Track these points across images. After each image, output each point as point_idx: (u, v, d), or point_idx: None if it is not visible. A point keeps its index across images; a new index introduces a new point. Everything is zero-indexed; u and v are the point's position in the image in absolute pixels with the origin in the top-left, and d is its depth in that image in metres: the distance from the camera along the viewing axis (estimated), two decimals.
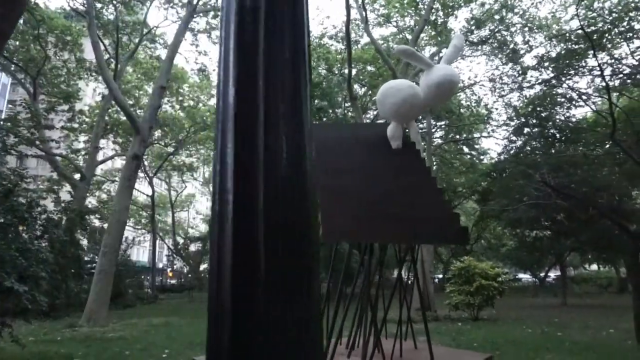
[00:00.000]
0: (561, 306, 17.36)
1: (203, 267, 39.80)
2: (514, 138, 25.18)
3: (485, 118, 29.64)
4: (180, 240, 36.53)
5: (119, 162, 35.33)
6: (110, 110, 23.49)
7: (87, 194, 19.94)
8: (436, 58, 26.00)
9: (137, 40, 21.62)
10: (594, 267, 41.32)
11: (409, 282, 9.66)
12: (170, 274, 46.03)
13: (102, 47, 18.24)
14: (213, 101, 32.08)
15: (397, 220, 4.51)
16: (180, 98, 28.29)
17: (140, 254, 50.26)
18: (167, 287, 35.69)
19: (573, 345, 8.51)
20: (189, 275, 35.03)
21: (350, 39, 14.91)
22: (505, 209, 17.65)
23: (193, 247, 36.03)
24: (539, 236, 19.69)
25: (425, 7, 21.20)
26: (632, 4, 20.00)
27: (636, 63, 18.09)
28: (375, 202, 4.89)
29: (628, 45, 19.25)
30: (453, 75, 5.85)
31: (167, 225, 42.38)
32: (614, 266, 26.69)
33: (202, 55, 26.92)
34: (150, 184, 31.05)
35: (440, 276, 34.27)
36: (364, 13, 17.61)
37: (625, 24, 18.66)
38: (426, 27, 23.69)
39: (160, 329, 12.70)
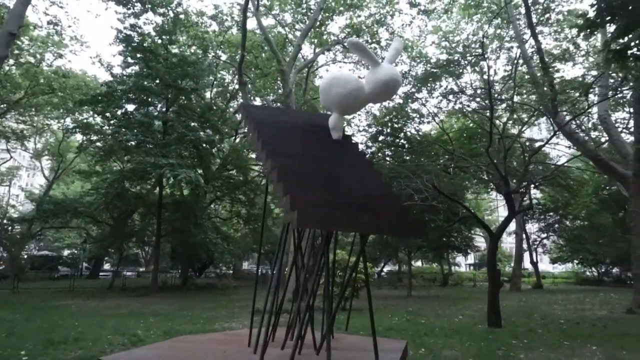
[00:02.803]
0: (407, 297, 19.56)
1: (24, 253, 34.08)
2: (370, 144, 27.15)
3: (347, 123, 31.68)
4: None
5: None
6: None
7: None
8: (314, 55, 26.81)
9: None
10: (418, 263, 47.54)
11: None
12: None
13: None
14: (61, 61, 27.65)
15: (364, 211, 4.53)
16: (17, 52, 23.68)
17: None
18: None
19: (443, 331, 9.69)
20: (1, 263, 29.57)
21: (246, 23, 14.40)
22: None
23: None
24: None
25: (313, 6, 21.64)
26: (476, 43, 23.55)
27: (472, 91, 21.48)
28: (337, 190, 4.85)
29: (470, 74, 22.70)
30: (398, 75, 6.13)
31: None
32: (439, 263, 31.20)
33: (56, 6, 22.70)
34: None
35: None
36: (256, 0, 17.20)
37: (470, 58, 21.89)
38: (301, 25, 24.34)
39: None
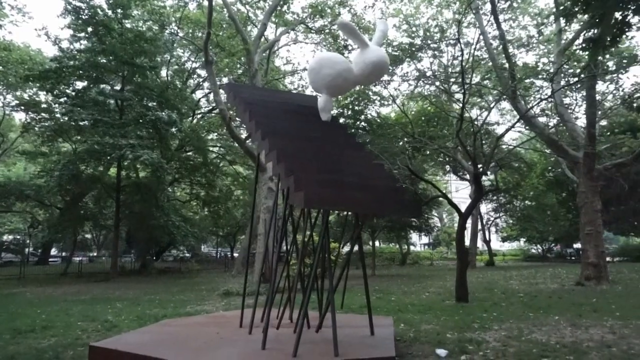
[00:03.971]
0: (372, 276, 20.06)
1: None
2: None
3: None
4: None
5: None
6: None
7: None
8: (272, 35, 26.38)
9: None
10: (376, 244, 48.68)
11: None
12: None
13: None
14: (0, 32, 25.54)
15: (364, 191, 4.61)
16: None
17: None
18: None
19: (415, 307, 10.07)
20: None
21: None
22: None
23: None
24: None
25: None
26: (438, 27, 24.00)
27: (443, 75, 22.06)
28: (335, 171, 4.89)
29: (431, 60, 23.21)
30: (387, 57, 6.18)
31: None
32: (398, 243, 32.17)
33: None
34: None
35: None
36: None
37: (432, 43, 22.31)
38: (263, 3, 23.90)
39: None
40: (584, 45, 6.32)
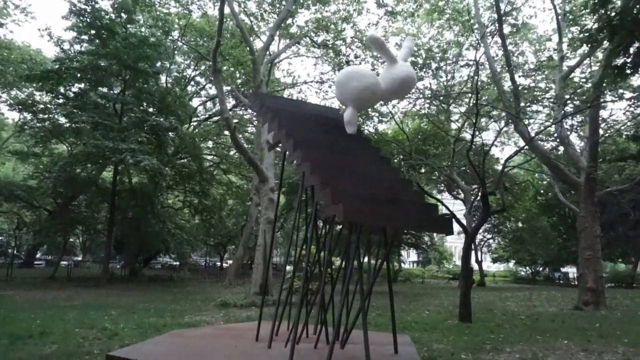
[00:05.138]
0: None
1: None
2: None
3: None
4: None
5: None
6: None
7: None
8: (275, 49, 26.50)
9: None
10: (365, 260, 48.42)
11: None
12: None
13: None
14: (1, 31, 25.16)
15: (395, 205, 4.56)
16: None
17: None
18: None
19: (420, 325, 9.98)
20: None
21: (224, 6, 13.84)
22: None
23: None
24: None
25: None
26: (438, 48, 24.26)
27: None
28: (365, 184, 4.84)
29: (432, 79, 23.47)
30: (414, 73, 6.21)
31: None
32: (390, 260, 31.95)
33: None
34: None
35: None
36: None
37: (432, 64, 22.52)
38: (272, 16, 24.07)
39: None
40: (608, 71, 6.41)
